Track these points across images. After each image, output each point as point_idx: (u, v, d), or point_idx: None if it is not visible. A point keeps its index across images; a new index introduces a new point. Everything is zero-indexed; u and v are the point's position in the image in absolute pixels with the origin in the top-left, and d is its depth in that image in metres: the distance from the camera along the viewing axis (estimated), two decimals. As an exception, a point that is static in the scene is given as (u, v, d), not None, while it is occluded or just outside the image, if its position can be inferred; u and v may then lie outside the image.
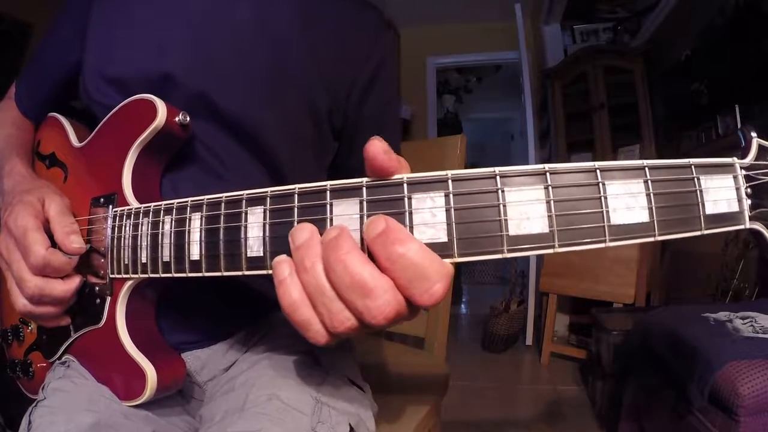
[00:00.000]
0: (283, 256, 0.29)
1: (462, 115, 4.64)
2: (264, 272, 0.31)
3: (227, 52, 0.49)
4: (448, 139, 0.84)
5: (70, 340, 0.47)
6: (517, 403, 1.88)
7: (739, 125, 1.72)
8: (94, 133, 0.49)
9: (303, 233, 0.28)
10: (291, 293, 0.28)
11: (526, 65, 2.66)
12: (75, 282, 0.43)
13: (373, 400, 0.50)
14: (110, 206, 0.43)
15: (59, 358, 0.49)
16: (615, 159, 2.47)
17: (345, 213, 0.29)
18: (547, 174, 0.26)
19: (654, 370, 1.16)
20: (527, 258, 2.72)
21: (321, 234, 0.28)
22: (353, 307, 0.26)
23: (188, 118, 0.44)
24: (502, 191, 0.26)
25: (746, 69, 1.65)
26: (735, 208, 0.26)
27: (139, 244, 0.39)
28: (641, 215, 0.25)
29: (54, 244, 0.42)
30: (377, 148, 0.27)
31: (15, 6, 2.00)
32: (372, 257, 0.26)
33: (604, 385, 1.57)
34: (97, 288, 0.44)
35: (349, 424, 0.42)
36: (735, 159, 0.26)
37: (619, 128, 2.52)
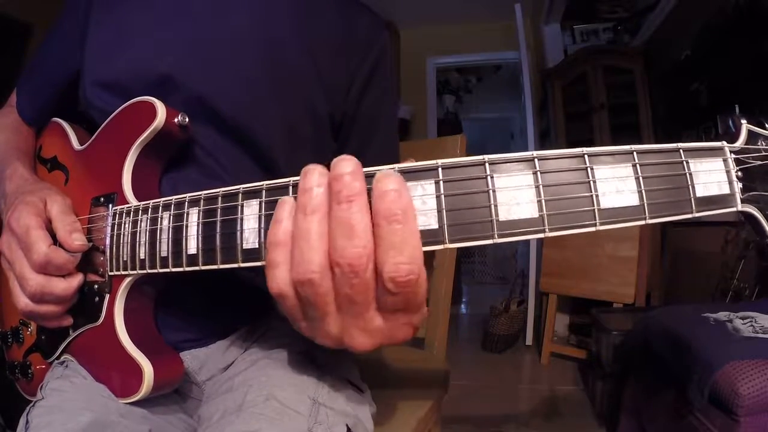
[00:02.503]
0: (290, 198, 0.29)
1: (462, 115, 4.64)
2: (259, 264, 0.31)
3: (226, 54, 0.49)
4: (448, 139, 0.84)
5: (69, 339, 0.47)
6: (517, 403, 1.88)
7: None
8: (95, 135, 0.49)
9: (318, 178, 0.27)
10: (278, 233, 0.28)
11: (526, 65, 2.66)
12: (76, 280, 0.43)
13: (371, 400, 0.50)
14: (110, 205, 0.44)
15: (58, 358, 0.49)
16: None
17: None
18: (536, 160, 0.26)
19: (654, 370, 1.16)
20: (527, 258, 2.72)
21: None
22: (331, 244, 0.26)
23: (187, 119, 0.44)
24: (492, 177, 0.26)
25: (746, 69, 1.65)
26: (726, 190, 0.26)
27: (137, 240, 0.40)
28: (631, 199, 0.26)
29: (56, 242, 0.42)
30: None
31: (15, 6, 2.00)
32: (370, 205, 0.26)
33: (604, 385, 1.57)
34: (96, 286, 0.44)
35: (347, 425, 0.42)
36: (724, 143, 0.27)
37: (619, 128, 2.52)
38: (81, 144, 0.51)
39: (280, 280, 0.28)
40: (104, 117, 0.48)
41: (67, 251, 0.42)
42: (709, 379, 0.87)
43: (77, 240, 0.42)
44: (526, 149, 2.66)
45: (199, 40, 0.49)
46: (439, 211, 0.27)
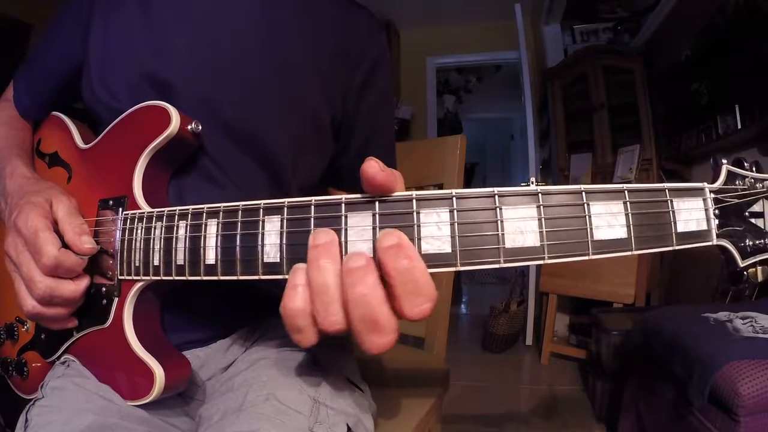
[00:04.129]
0: (304, 264, 0.30)
1: (462, 115, 4.64)
2: (280, 277, 0.33)
3: (227, 56, 0.49)
4: (448, 139, 0.84)
5: (72, 339, 0.47)
6: (517, 403, 1.89)
7: (739, 125, 1.72)
8: (102, 135, 0.49)
9: (325, 236, 0.30)
10: (296, 300, 0.30)
11: (526, 65, 2.66)
12: (84, 282, 0.43)
13: (372, 400, 0.50)
14: (120, 209, 0.44)
15: (58, 358, 0.49)
16: (615, 159, 2.46)
17: (359, 225, 0.31)
18: (540, 194, 0.29)
19: (654, 370, 1.17)
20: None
21: (339, 243, 0.30)
22: (357, 331, 0.28)
23: (200, 127, 0.44)
24: (500, 209, 0.29)
25: (746, 69, 1.65)
26: (703, 227, 0.29)
27: (151, 247, 0.40)
28: (620, 232, 0.29)
29: (64, 245, 0.42)
30: (374, 168, 0.29)
31: (15, 6, 2.00)
32: (379, 267, 0.28)
33: (604, 385, 1.57)
34: (103, 288, 0.44)
35: (347, 425, 0.42)
36: (705, 184, 0.29)
37: (619, 128, 2.52)
38: (85, 142, 0.51)
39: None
40: (110, 112, 0.48)
41: (75, 254, 0.41)
42: (709, 379, 0.88)
43: (87, 243, 0.42)
44: (526, 149, 2.64)
45: (200, 41, 0.49)
46: (453, 237, 0.29)
